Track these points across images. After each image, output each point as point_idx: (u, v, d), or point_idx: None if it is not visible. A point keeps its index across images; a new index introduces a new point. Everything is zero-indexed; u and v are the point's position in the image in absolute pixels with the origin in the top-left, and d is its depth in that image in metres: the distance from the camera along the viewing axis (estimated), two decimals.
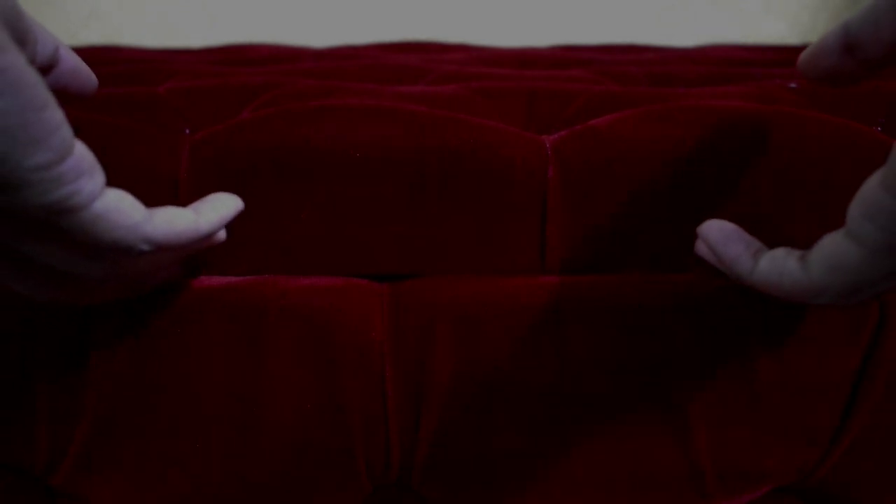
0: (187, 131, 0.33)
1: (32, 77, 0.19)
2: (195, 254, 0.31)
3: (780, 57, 0.82)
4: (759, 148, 0.31)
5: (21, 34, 0.21)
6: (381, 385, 0.32)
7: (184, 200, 0.31)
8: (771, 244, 0.28)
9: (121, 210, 0.23)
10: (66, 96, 0.28)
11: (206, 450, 0.33)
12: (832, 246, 0.23)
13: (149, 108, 0.44)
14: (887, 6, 0.23)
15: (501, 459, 0.33)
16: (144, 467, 0.33)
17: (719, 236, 0.29)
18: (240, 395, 0.32)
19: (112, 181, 0.23)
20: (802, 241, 0.27)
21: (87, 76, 0.29)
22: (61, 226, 0.21)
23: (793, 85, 0.49)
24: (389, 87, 0.47)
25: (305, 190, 0.32)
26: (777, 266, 0.26)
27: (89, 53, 0.86)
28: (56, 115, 0.20)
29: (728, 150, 0.31)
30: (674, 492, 0.34)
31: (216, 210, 0.29)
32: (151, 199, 0.30)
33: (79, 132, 0.24)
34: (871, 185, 0.22)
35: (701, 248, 0.30)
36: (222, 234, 0.30)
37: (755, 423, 0.33)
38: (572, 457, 0.33)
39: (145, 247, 0.24)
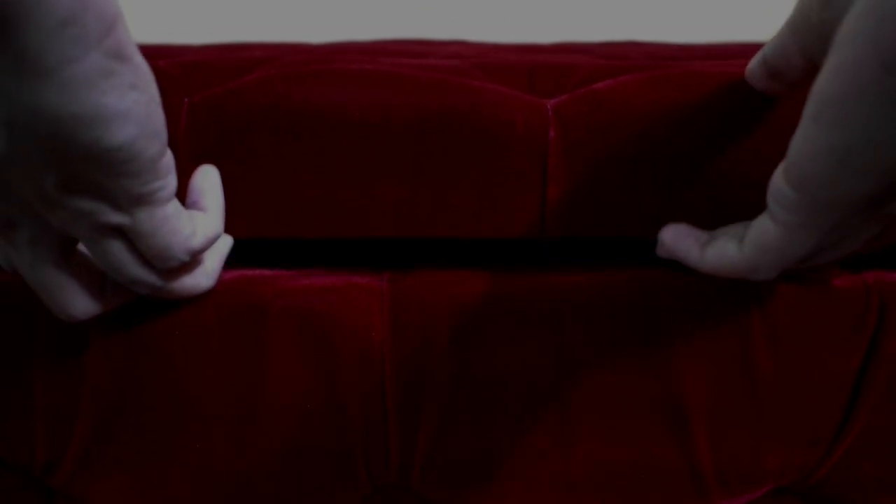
0: (186, 100, 0.32)
1: (152, 75, 0.22)
2: None
3: None
4: (761, 110, 0.31)
5: None
6: (381, 385, 0.32)
7: (182, 162, 0.31)
8: None
9: (180, 218, 0.25)
10: None
11: (205, 450, 0.33)
12: (758, 227, 0.26)
13: None
14: (790, 36, 0.26)
15: (501, 459, 0.33)
16: (143, 467, 0.33)
17: (672, 236, 0.31)
18: (239, 395, 0.32)
19: None
20: None
21: None
22: (139, 219, 0.24)
23: None
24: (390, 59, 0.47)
25: (303, 151, 0.32)
26: (719, 252, 0.28)
27: None
28: (163, 112, 0.23)
29: (730, 112, 0.31)
30: (674, 492, 0.34)
31: (213, 257, 0.31)
32: None
33: None
34: (777, 175, 0.24)
35: (661, 250, 0.32)
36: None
37: (755, 423, 0.33)
38: (572, 457, 0.33)
39: (186, 257, 0.27)
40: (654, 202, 0.32)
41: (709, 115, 0.31)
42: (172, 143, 0.31)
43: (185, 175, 0.31)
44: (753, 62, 0.29)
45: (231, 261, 0.33)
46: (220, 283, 0.32)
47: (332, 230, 0.33)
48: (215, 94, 0.33)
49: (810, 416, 0.33)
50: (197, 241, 0.27)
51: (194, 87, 0.34)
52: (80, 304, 0.27)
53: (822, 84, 0.21)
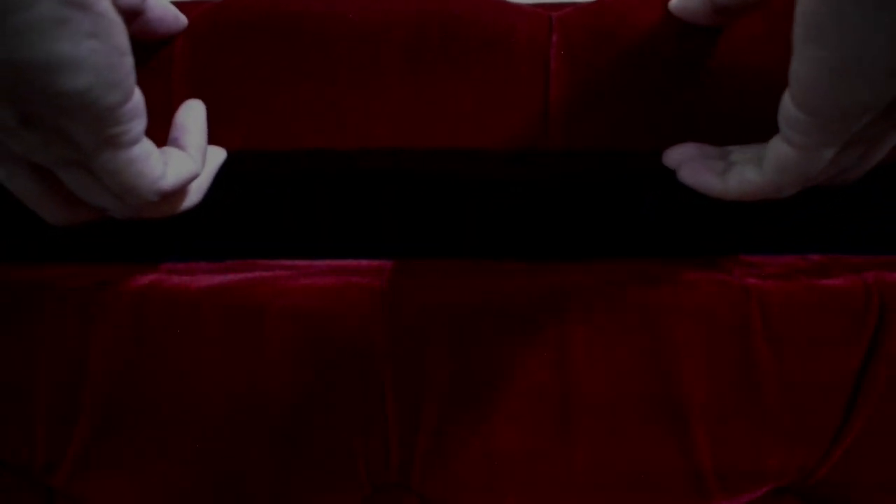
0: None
1: (120, 25, 0.21)
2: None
3: None
4: (765, 19, 0.30)
5: None
6: (380, 385, 0.32)
7: (178, 75, 0.31)
8: (775, 106, 0.28)
9: (148, 161, 0.25)
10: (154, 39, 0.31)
11: (204, 450, 0.33)
12: (775, 150, 0.26)
13: None
14: None
15: (501, 459, 0.33)
16: (143, 467, 0.33)
17: (689, 173, 0.30)
18: (238, 395, 0.32)
19: None
20: None
21: (173, 22, 0.31)
22: (100, 160, 0.23)
23: None
24: None
25: (302, 56, 0.31)
26: (739, 178, 0.28)
27: None
28: (131, 61, 0.22)
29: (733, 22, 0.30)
30: (674, 492, 0.34)
31: (208, 159, 0.30)
32: (147, 75, 0.31)
33: None
34: (785, 100, 0.24)
35: (682, 179, 0.31)
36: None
37: (755, 423, 0.33)
38: (572, 457, 0.33)
39: (155, 198, 0.26)
40: (656, 110, 0.31)
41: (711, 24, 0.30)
42: (168, 56, 0.31)
43: (181, 95, 0.31)
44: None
45: (231, 256, 0.33)
46: (220, 283, 0.32)
47: (330, 141, 0.32)
48: (212, 6, 0.32)
49: (810, 416, 0.33)
50: (167, 183, 0.26)
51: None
52: (53, 215, 0.27)
53: (805, 5, 0.21)
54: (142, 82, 0.24)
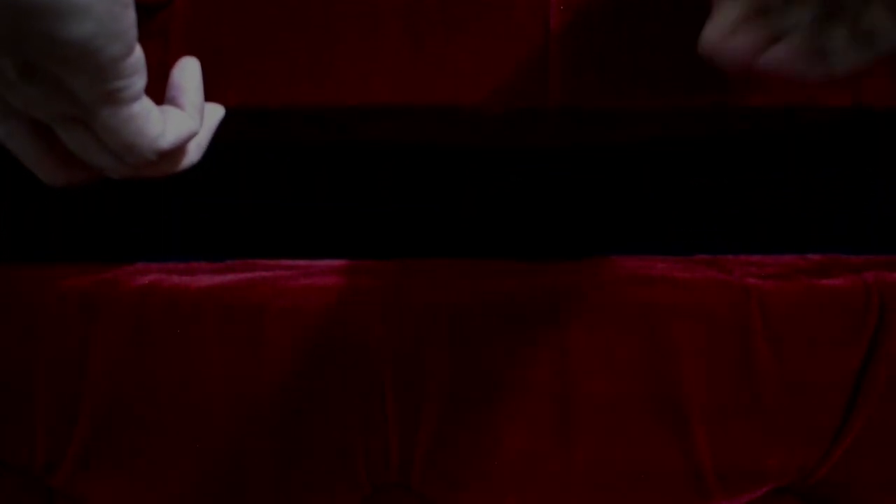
0: None
1: None
2: None
3: None
4: None
5: None
6: (381, 385, 0.32)
7: (176, 32, 0.31)
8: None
9: (149, 118, 0.25)
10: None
11: (204, 450, 0.33)
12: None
13: None
14: None
15: (501, 459, 0.33)
16: (143, 467, 0.33)
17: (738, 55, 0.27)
18: (238, 396, 0.32)
19: None
20: None
21: None
22: (100, 116, 0.23)
23: None
24: None
25: (301, 13, 0.31)
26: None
27: None
28: (133, 14, 0.22)
29: None
30: (674, 492, 0.34)
31: (206, 115, 0.30)
32: (146, 33, 0.30)
33: None
34: None
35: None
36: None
37: (755, 422, 0.33)
38: (572, 457, 0.33)
39: (153, 157, 0.26)
40: (656, 67, 0.31)
41: None
42: (168, 14, 0.31)
43: (179, 52, 0.30)
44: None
45: (232, 252, 0.33)
46: (220, 283, 0.32)
47: (329, 97, 0.32)
48: None
49: (810, 416, 0.33)
50: (166, 142, 0.26)
51: None
52: (50, 175, 0.27)
53: None
54: (141, 39, 0.24)
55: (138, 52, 0.23)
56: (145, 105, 0.25)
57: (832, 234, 0.37)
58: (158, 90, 0.29)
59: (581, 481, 0.33)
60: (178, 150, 0.28)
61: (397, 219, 0.38)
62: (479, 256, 0.36)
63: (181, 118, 0.28)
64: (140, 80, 0.24)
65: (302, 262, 0.35)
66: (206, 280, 0.33)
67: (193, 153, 0.29)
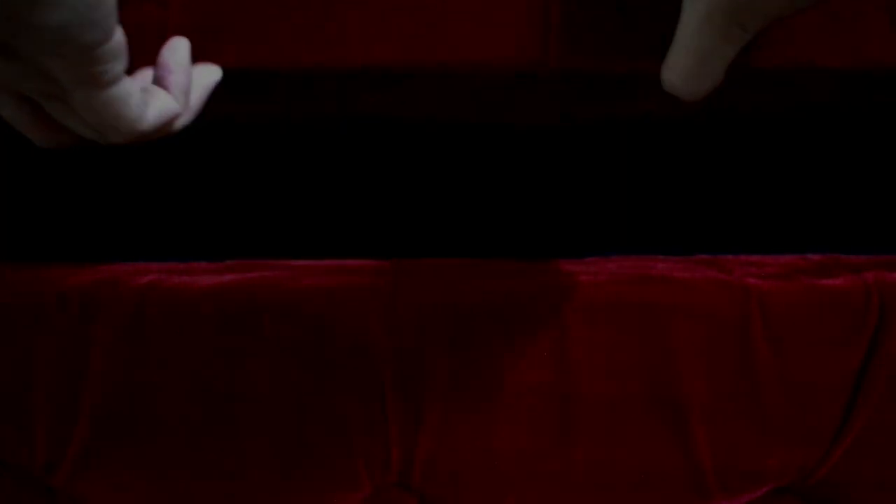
0: None
1: None
2: None
3: None
4: None
5: None
6: (380, 385, 0.32)
7: (175, 11, 0.31)
8: None
9: (129, 102, 0.25)
10: None
11: (204, 450, 0.33)
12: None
13: None
14: None
15: (501, 459, 0.33)
16: (142, 468, 0.33)
17: None
18: (238, 396, 0.32)
19: None
20: None
21: None
22: (78, 98, 0.23)
23: None
24: None
25: None
26: None
27: None
28: (113, 1, 0.22)
29: None
30: (674, 492, 0.34)
31: (195, 91, 0.30)
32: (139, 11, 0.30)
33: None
34: None
35: None
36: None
37: (755, 423, 0.33)
38: (572, 456, 0.33)
39: (133, 138, 0.26)
40: (659, 29, 0.30)
41: None
42: None
43: (177, 10, 0.31)
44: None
45: (232, 252, 0.32)
46: (220, 283, 0.32)
47: (330, 58, 0.31)
48: None
49: (810, 416, 0.33)
50: (146, 125, 0.26)
51: None
52: (42, 140, 0.27)
53: None
54: (136, 2, 0.24)
55: (118, 37, 0.23)
56: (124, 88, 0.24)
57: (832, 234, 0.37)
58: (156, 52, 0.29)
59: (581, 481, 0.33)
60: (162, 127, 0.28)
61: (397, 219, 0.38)
62: (479, 256, 0.36)
63: (165, 99, 0.28)
64: (119, 65, 0.23)
65: (302, 262, 0.35)
66: (206, 280, 0.33)
67: (186, 116, 0.29)
